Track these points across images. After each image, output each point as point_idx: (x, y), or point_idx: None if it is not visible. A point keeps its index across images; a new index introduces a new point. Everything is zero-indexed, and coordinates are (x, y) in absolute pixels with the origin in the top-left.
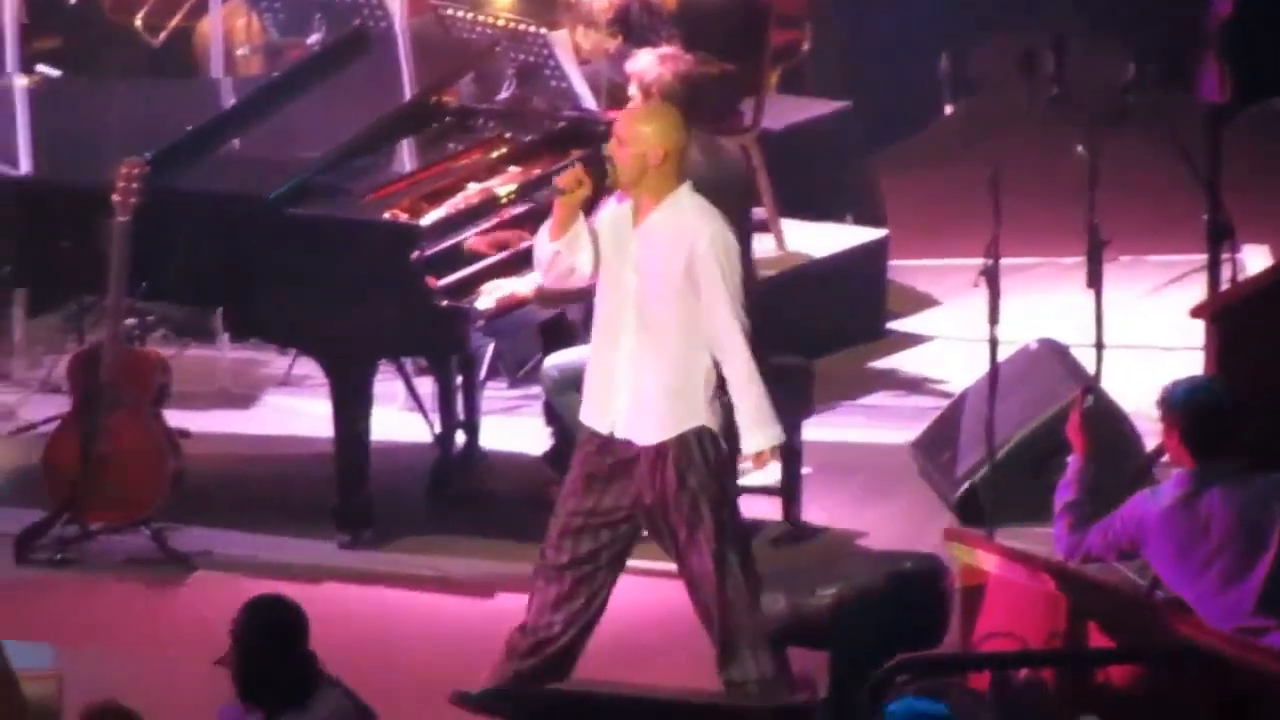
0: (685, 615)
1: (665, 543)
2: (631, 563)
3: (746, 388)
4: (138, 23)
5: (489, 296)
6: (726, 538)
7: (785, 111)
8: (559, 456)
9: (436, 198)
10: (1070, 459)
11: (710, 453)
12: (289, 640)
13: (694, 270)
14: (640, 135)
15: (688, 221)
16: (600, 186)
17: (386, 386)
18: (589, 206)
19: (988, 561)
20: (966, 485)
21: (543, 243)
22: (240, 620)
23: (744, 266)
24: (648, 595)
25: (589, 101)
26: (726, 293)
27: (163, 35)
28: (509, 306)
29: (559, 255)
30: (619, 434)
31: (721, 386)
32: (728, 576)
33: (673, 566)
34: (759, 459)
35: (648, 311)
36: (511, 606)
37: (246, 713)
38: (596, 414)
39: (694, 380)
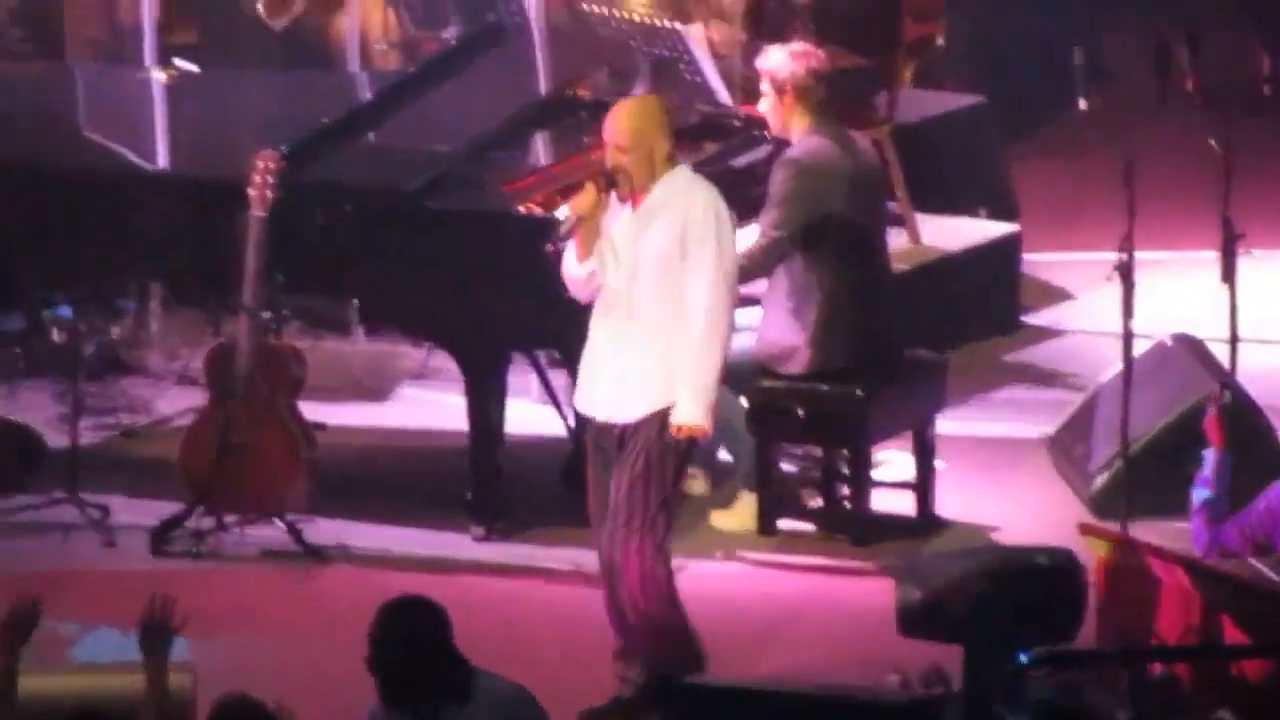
0: (780, 604)
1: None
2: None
3: (698, 353)
4: (259, 8)
5: None
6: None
7: (919, 105)
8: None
9: (570, 191)
10: (1206, 454)
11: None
12: (428, 644)
13: (686, 236)
14: (640, 135)
15: (681, 192)
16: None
17: (520, 379)
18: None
19: (1122, 556)
20: (1101, 480)
21: (572, 265)
22: (377, 626)
23: (869, 257)
24: (743, 586)
25: (723, 96)
26: (714, 257)
27: (283, 20)
28: None
29: (593, 275)
30: (600, 417)
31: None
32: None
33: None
34: (676, 430)
35: (639, 293)
36: None
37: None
38: (584, 399)
39: (677, 360)
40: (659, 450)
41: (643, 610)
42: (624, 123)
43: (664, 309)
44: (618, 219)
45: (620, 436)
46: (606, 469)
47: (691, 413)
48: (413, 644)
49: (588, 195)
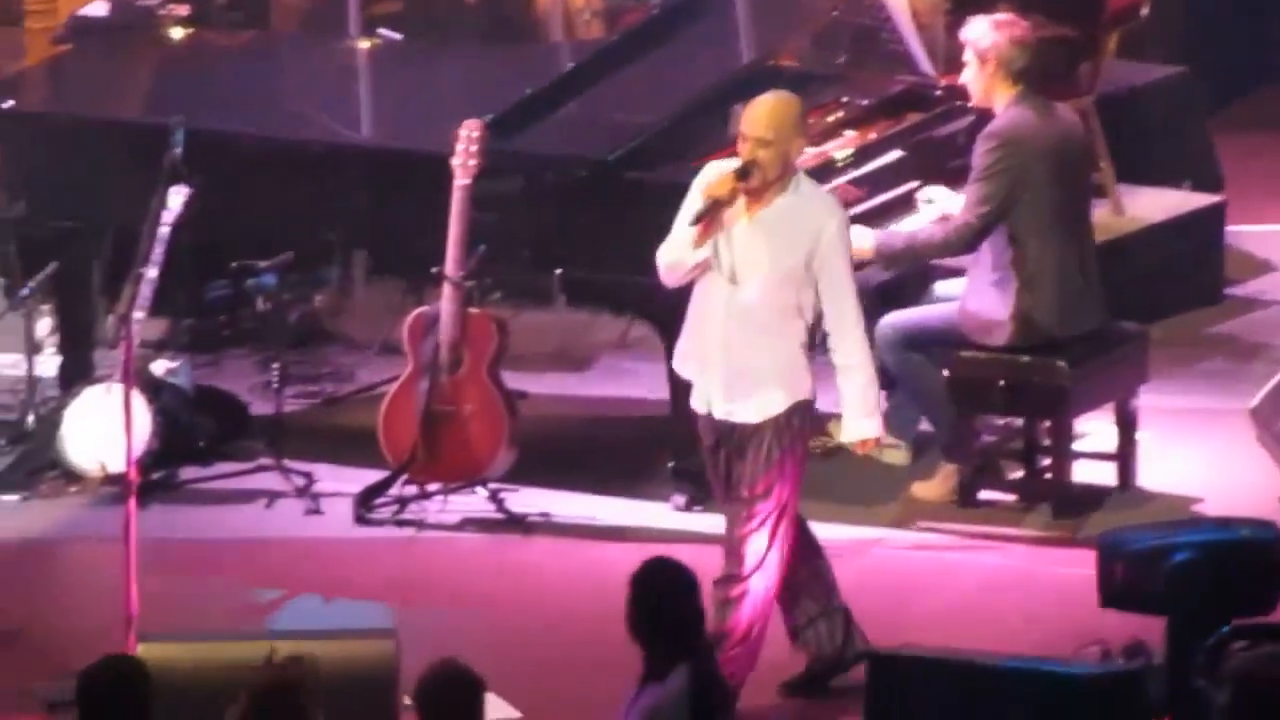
0: (980, 576)
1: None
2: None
3: (859, 372)
4: None
5: None
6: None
7: (1123, 75)
8: (897, 416)
9: None
10: None
11: (799, 421)
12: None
13: (817, 255)
14: (782, 131)
15: (813, 207)
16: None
17: None
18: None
19: None
20: None
21: (681, 250)
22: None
23: (1073, 229)
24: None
25: (925, 65)
26: (851, 281)
27: None
28: (870, 263)
29: (698, 265)
30: (718, 414)
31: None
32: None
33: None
34: (863, 445)
35: (766, 299)
36: (852, 566)
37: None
38: (701, 397)
39: (792, 361)
40: (783, 447)
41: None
42: (767, 117)
43: (785, 314)
44: (735, 222)
45: (735, 433)
46: (721, 465)
47: (864, 430)
48: (677, 594)
49: (725, 183)
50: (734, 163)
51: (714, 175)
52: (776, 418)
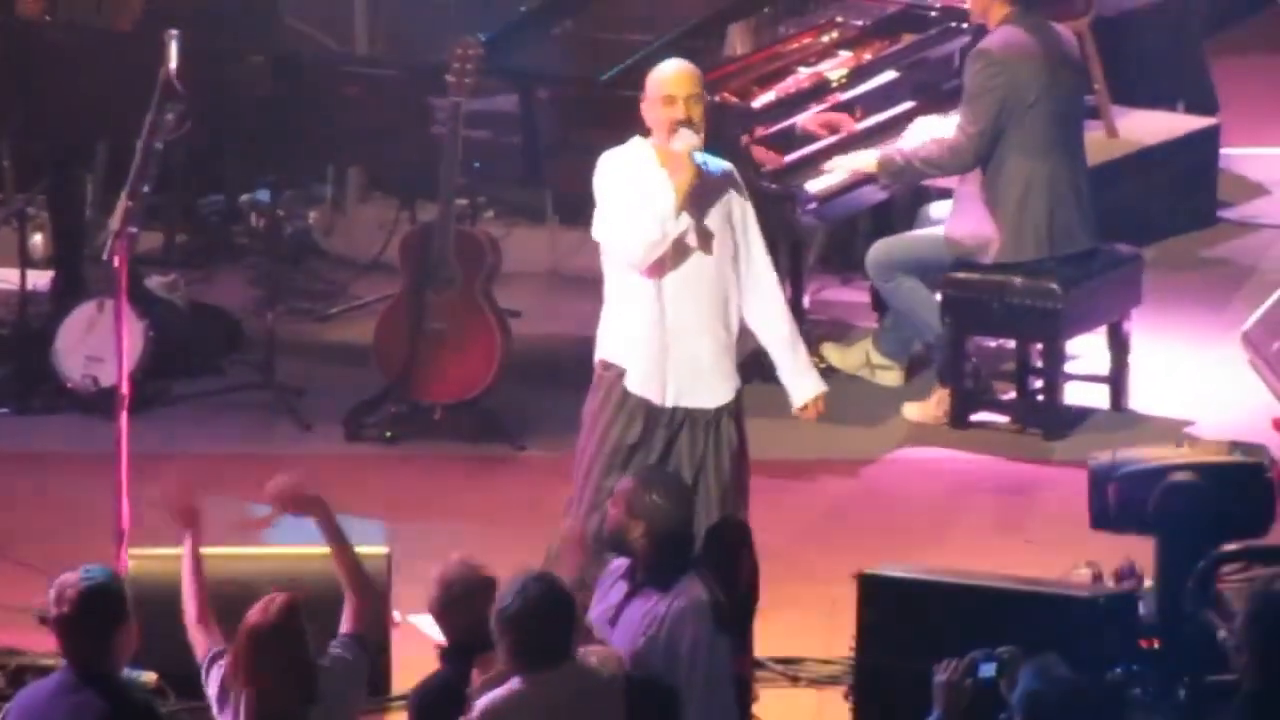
0: (972, 497)
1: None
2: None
3: (795, 339)
4: None
5: (838, 172)
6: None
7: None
8: (889, 338)
9: (767, 81)
10: None
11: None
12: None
13: (741, 220)
14: (701, 87)
15: (721, 172)
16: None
17: None
18: None
19: None
20: None
21: (664, 222)
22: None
23: (1065, 149)
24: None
25: None
26: (765, 243)
27: None
28: (853, 184)
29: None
30: (670, 403)
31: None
32: None
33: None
34: (815, 405)
35: (713, 275)
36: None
37: (624, 577)
38: (655, 386)
39: (732, 338)
40: (742, 427)
41: None
42: (691, 74)
43: (728, 291)
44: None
45: (686, 420)
46: (653, 454)
47: (813, 388)
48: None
49: (689, 138)
50: (639, 143)
51: (673, 160)
52: (735, 399)
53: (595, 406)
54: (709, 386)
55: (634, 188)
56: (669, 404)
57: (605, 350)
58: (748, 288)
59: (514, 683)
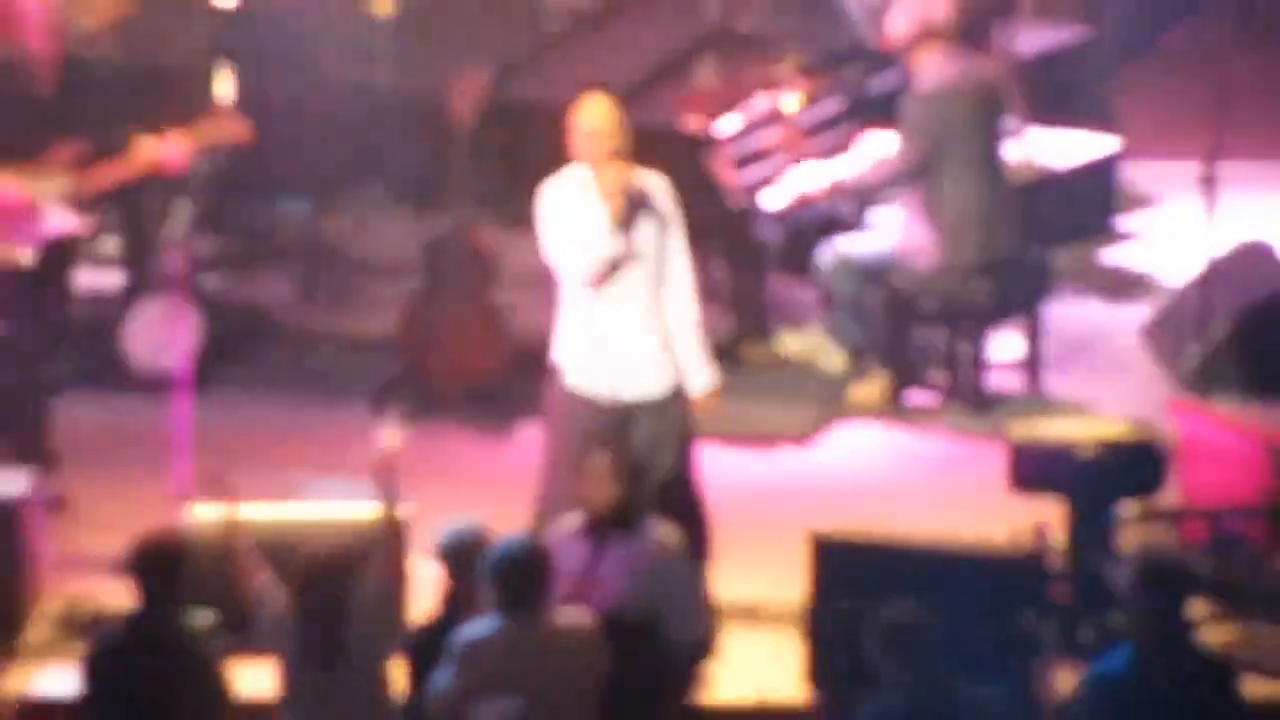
0: (909, 467)
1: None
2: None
3: (698, 332)
4: None
5: (794, 187)
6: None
7: (1034, 37)
8: (838, 329)
9: (729, 106)
10: None
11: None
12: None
13: (662, 229)
14: (622, 117)
15: (649, 187)
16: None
17: None
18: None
19: (1206, 429)
20: (1190, 365)
21: (602, 243)
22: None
23: (990, 169)
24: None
25: (861, 26)
26: (684, 242)
27: None
28: (815, 199)
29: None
30: (614, 396)
31: None
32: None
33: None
34: (711, 398)
35: (649, 276)
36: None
37: (579, 540)
38: (600, 381)
39: (669, 337)
40: (687, 409)
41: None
42: (610, 110)
43: (657, 289)
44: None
45: (630, 413)
46: (593, 447)
47: (714, 376)
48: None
49: (618, 183)
50: (577, 173)
51: (605, 187)
52: (675, 391)
53: (550, 400)
54: (654, 378)
55: (573, 214)
56: (614, 397)
57: (557, 352)
58: (665, 281)
59: (494, 616)
